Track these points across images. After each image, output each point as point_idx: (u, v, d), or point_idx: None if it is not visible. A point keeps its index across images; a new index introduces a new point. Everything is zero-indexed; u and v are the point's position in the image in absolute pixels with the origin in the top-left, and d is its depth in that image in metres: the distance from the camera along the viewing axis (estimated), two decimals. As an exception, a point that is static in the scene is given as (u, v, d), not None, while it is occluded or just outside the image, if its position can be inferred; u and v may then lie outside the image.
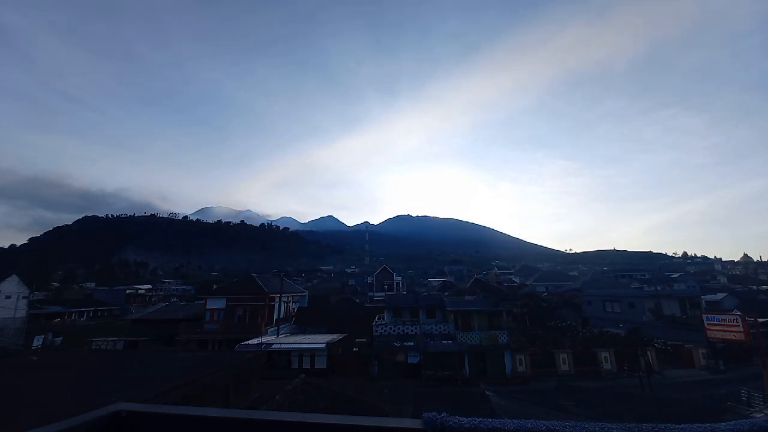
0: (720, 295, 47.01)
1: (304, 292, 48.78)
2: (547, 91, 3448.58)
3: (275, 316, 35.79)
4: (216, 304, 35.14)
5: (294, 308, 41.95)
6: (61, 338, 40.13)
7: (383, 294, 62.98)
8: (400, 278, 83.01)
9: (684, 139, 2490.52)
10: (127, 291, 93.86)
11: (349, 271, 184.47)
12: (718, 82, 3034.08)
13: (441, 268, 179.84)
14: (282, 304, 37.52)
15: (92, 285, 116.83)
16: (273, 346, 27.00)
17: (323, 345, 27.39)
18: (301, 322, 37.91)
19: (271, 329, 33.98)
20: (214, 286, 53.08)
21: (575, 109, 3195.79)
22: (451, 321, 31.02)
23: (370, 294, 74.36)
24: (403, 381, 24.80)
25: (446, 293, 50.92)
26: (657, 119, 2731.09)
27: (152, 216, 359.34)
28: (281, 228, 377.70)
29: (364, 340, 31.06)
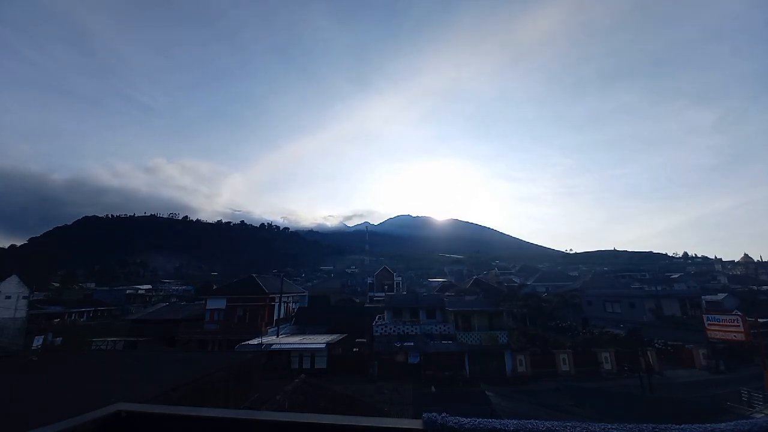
0: (720, 296, 47.04)
1: (304, 292, 48.81)
2: (548, 87, 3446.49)
3: (275, 317, 35.80)
4: (216, 304, 35.15)
5: (294, 308, 41.95)
6: (61, 338, 40.07)
7: (383, 294, 62.99)
8: (400, 278, 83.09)
9: (688, 138, 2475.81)
10: (127, 291, 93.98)
11: (349, 271, 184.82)
12: (727, 79, 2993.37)
13: (441, 268, 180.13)
14: (282, 304, 37.52)
15: (92, 285, 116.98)
16: (273, 347, 26.99)
17: (323, 345, 27.39)
18: (301, 322, 37.90)
19: (271, 329, 33.99)
20: (214, 287, 53.13)
21: (577, 106, 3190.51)
22: (451, 321, 31.02)
23: (370, 294, 74.41)
24: (403, 381, 24.80)
25: (446, 293, 50.95)
26: (661, 118, 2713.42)
27: (152, 216, 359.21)
28: (281, 228, 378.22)
29: (364, 340, 31.06)
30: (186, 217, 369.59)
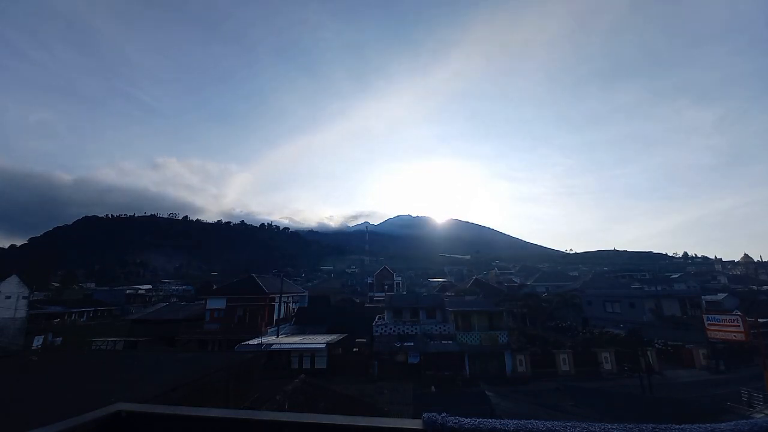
0: (720, 296, 47.04)
1: (304, 292, 48.80)
2: (549, 87, 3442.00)
3: (275, 316, 35.80)
4: (216, 304, 35.16)
5: (294, 308, 41.94)
6: (61, 338, 40.11)
7: (383, 294, 63.02)
8: (400, 278, 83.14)
9: (688, 138, 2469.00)
10: (127, 291, 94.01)
11: (349, 271, 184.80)
12: (727, 79, 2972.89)
13: (441, 268, 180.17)
14: (282, 304, 37.52)
15: (92, 285, 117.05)
16: (273, 347, 26.99)
17: (323, 345, 27.38)
18: (301, 322, 37.91)
19: (271, 329, 33.98)
20: (214, 287, 53.11)
21: (577, 106, 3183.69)
22: (451, 321, 31.02)
23: (370, 294, 74.47)
24: (403, 381, 24.82)
25: (446, 293, 50.97)
26: (661, 118, 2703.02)
27: (152, 216, 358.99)
28: (281, 228, 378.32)
29: (364, 340, 31.06)
30: (186, 217, 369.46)
